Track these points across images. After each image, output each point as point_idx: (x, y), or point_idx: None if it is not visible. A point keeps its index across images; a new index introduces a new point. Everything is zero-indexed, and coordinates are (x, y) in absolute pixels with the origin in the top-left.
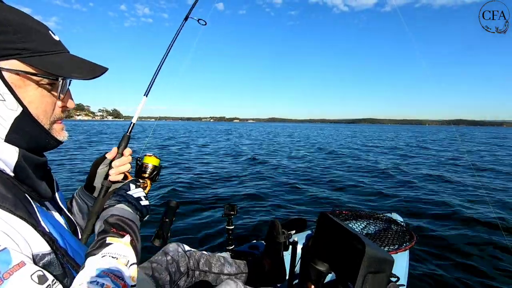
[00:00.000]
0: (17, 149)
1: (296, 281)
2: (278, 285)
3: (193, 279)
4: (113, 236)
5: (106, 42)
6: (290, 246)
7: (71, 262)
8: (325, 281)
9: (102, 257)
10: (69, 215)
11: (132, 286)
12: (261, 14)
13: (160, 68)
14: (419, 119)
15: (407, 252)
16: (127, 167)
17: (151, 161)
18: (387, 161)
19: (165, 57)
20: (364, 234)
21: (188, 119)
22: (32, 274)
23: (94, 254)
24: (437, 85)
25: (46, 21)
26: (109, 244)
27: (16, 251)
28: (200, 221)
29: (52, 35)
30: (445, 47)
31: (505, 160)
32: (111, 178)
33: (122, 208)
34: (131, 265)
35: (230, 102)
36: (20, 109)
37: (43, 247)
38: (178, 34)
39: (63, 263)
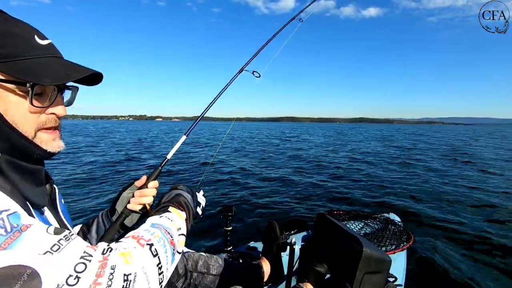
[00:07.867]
0: None
1: (294, 281)
2: (276, 286)
3: (191, 280)
4: (174, 207)
5: None
6: (288, 247)
7: None
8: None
9: (159, 217)
10: (70, 228)
11: (178, 252)
12: (182, 8)
13: (208, 109)
14: (332, 117)
15: (404, 252)
16: (149, 199)
17: None
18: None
19: (214, 102)
20: (361, 234)
21: (102, 117)
22: (48, 228)
23: (154, 215)
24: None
25: None
26: (169, 211)
27: (26, 215)
28: (197, 222)
29: (37, 39)
30: (351, 54)
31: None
32: (129, 206)
33: (186, 195)
34: (180, 234)
35: (152, 100)
36: None
37: None
38: (229, 84)
39: None
